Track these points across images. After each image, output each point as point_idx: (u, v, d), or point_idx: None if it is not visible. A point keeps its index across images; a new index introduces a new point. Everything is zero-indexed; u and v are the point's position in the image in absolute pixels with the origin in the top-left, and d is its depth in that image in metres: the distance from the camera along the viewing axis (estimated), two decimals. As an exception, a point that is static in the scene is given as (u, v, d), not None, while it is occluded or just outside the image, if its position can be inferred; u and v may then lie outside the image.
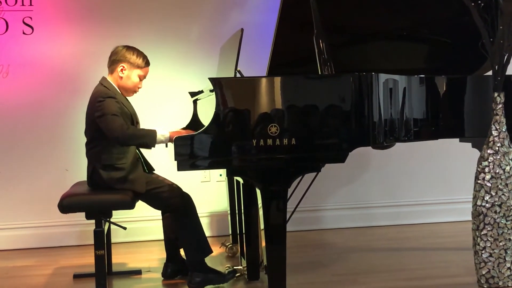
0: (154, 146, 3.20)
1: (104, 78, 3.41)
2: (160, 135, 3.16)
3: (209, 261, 3.40)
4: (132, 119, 3.40)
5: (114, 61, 3.39)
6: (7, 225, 4.48)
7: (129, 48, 3.41)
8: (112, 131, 3.18)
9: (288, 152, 2.86)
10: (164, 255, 3.64)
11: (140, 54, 3.41)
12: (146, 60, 3.42)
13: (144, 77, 3.45)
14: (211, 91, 2.98)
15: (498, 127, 3.15)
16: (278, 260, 2.93)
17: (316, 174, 3.20)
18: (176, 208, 3.33)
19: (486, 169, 3.14)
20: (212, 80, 2.86)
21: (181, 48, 4.65)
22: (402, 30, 3.85)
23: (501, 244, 3.11)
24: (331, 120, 2.94)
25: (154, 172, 3.55)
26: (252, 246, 3.37)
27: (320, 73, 3.09)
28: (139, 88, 3.46)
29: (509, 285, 3.11)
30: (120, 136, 3.16)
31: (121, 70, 3.37)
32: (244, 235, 3.45)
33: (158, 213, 3.58)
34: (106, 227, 3.33)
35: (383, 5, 3.72)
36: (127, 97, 3.48)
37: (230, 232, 4.12)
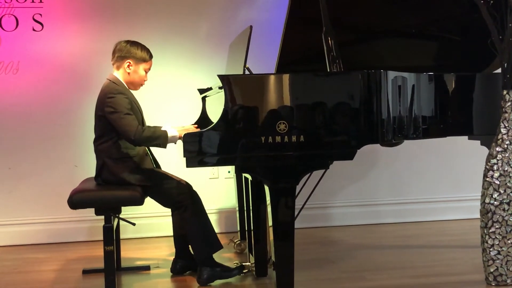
0: (166, 147, 3.23)
1: (111, 74, 3.44)
2: (171, 136, 3.19)
3: (217, 257, 3.42)
4: (141, 114, 3.44)
5: (119, 57, 3.42)
6: (17, 221, 4.51)
7: (133, 43, 3.45)
8: (127, 132, 3.21)
9: (296, 149, 2.87)
10: (172, 250, 3.66)
11: (144, 48, 3.45)
12: (150, 53, 3.48)
13: (149, 69, 3.50)
14: (220, 88, 2.99)
15: (507, 125, 3.14)
16: (286, 256, 2.93)
17: (324, 171, 3.20)
18: (185, 205, 3.35)
19: (495, 167, 3.13)
20: (221, 77, 2.87)
21: (190, 46, 4.66)
22: (411, 28, 3.84)
23: (509, 242, 3.11)
24: (339, 117, 2.94)
25: (160, 169, 3.58)
26: (260, 243, 3.38)
27: (328, 70, 3.09)
28: (145, 81, 3.50)
29: (517, 283, 3.11)
30: (136, 139, 3.20)
31: (128, 66, 3.41)
32: (252, 232, 3.46)
33: (166, 209, 3.60)
34: (115, 223, 3.35)
35: (392, 2, 3.71)
36: (133, 92, 3.51)
37: (239, 228, 4.13)
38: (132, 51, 3.41)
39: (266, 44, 4.33)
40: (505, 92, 3.15)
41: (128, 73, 3.42)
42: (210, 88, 3.87)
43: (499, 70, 3.31)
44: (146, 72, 3.48)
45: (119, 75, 3.43)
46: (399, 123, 3.13)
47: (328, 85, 2.98)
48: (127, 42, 3.45)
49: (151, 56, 3.47)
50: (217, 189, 4.69)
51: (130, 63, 3.41)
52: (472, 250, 3.84)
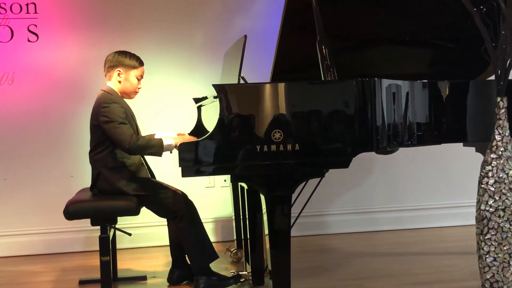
0: (161, 156, 3.23)
1: (105, 85, 3.47)
2: (166, 145, 3.19)
3: (214, 266, 3.42)
4: (136, 124, 3.46)
5: (109, 67, 3.47)
6: (13, 232, 4.50)
7: (121, 52, 3.49)
8: (122, 141, 3.22)
9: (292, 158, 2.88)
10: (169, 260, 3.65)
11: (132, 55, 3.48)
12: (140, 60, 3.50)
13: (141, 76, 3.52)
14: (215, 97, 3.00)
15: (501, 132, 3.15)
16: (283, 265, 2.94)
17: (320, 179, 3.20)
18: (180, 215, 3.35)
19: (490, 174, 3.14)
20: (216, 86, 2.88)
21: (185, 55, 4.67)
22: (405, 35, 3.86)
23: (505, 248, 3.11)
24: (334, 125, 2.95)
25: (155, 178, 3.58)
26: (256, 251, 3.38)
27: (323, 78, 3.10)
28: (139, 88, 3.52)
29: (514, 289, 3.11)
30: (131, 148, 3.21)
31: (118, 74, 3.44)
32: (248, 241, 3.46)
33: (162, 219, 3.59)
34: (111, 233, 3.35)
35: (386, 10, 3.73)
36: (128, 103, 3.52)
37: (235, 237, 4.13)
38: (120, 59, 3.44)
39: (261, 52, 4.34)
40: (499, 99, 3.17)
41: (119, 82, 3.45)
42: (206, 97, 3.88)
43: (493, 77, 3.32)
44: (139, 80, 3.50)
45: (112, 85, 3.46)
46: (394, 130, 3.14)
47: (323, 94, 2.99)
48: (116, 52, 3.49)
49: (141, 63, 3.49)
50: (213, 198, 4.69)
51: (120, 71, 3.44)
52: (468, 257, 3.85)
